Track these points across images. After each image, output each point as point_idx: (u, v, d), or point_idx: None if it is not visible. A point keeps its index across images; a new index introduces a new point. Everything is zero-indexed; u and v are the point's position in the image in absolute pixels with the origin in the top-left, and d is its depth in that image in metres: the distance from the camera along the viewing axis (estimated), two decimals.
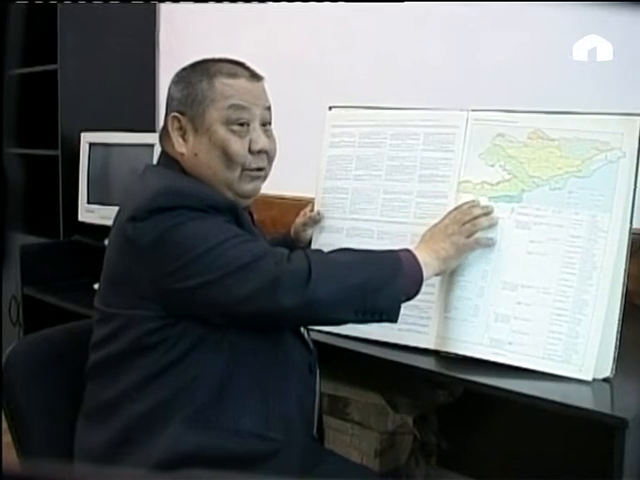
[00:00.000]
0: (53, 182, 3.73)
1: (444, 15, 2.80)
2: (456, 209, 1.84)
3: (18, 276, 3.54)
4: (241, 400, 1.64)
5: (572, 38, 2.40)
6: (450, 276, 1.85)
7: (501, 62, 2.66)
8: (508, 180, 1.85)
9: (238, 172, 1.73)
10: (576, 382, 1.69)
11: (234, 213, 1.66)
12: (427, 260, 1.70)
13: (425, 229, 1.83)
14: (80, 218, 3.62)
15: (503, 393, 1.70)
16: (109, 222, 1.75)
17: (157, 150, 1.85)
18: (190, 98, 1.73)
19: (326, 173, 2.13)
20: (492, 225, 1.83)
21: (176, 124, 1.74)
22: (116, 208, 1.73)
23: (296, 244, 2.10)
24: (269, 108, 1.79)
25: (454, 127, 1.95)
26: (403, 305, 1.65)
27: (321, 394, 1.89)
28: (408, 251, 1.70)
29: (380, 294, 1.61)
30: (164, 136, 1.79)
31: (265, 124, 1.78)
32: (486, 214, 1.82)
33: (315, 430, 1.85)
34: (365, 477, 1.91)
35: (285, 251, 1.62)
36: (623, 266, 1.71)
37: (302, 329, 1.81)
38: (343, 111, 2.15)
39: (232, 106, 1.72)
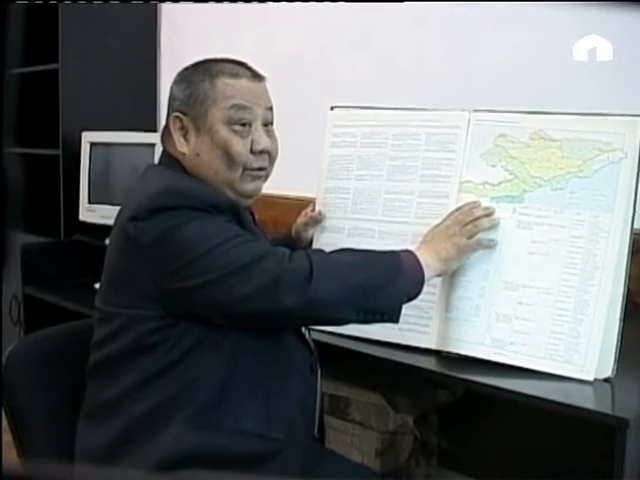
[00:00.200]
0: (54, 181, 3.73)
1: (444, 15, 2.80)
2: (457, 210, 1.84)
3: (19, 275, 3.54)
4: (242, 400, 1.63)
5: (572, 38, 2.40)
6: (451, 276, 1.85)
7: (501, 62, 2.66)
8: (510, 180, 1.85)
9: (239, 172, 1.73)
10: (577, 382, 1.69)
11: (235, 213, 1.66)
12: (428, 261, 1.70)
13: (426, 229, 1.83)
14: (81, 217, 3.62)
15: (504, 393, 1.70)
16: (110, 222, 1.75)
17: (158, 150, 1.85)
18: (192, 98, 1.72)
19: (327, 173, 2.12)
20: (493, 226, 1.83)
21: (178, 124, 1.74)
22: (117, 208, 1.73)
23: (297, 244, 2.10)
24: (271, 108, 1.79)
25: (456, 127, 1.95)
26: (404, 305, 1.65)
27: (322, 394, 1.89)
28: (409, 252, 1.70)
29: (381, 294, 1.61)
30: (166, 136, 1.79)
31: (267, 124, 1.78)
32: (487, 215, 1.82)
33: (316, 430, 1.85)
34: (366, 477, 1.91)
35: (286, 251, 1.62)
36: (624, 266, 1.71)
37: (303, 329, 1.81)
38: (345, 111, 2.15)
39: (234, 106, 1.72)
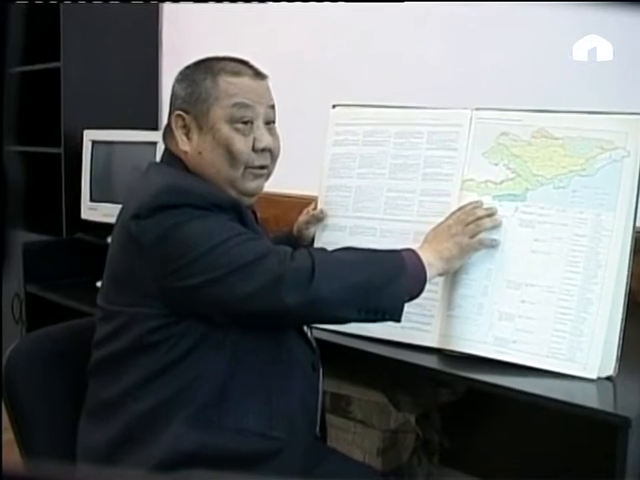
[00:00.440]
0: (56, 180, 3.73)
1: (444, 15, 2.79)
2: (459, 210, 1.83)
3: (21, 274, 3.54)
4: (244, 399, 1.63)
5: (572, 38, 2.40)
6: (454, 274, 1.85)
7: (501, 62, 2.66)
8: (512, 179, 1.84)
9: (241, 170, 1.73)
10: (579, 380, 1.69)
11: (237, 211, 1.66)
12: (430, 260, 1.70)
13: (428, 227, 1.83)
14: (83, 216, 3.62)
15: (506, 391, 1.70)
16: (112, 220, 1.75)
17: (160, 148, 1.85)
18: (194, 96, 1.72)
19: (329, 171, 2.12)
20: (496, 226, 1.82)
21: (180, 122, 1.74)
22: (119, 206, 1.73)
23: (299, 242, 2.10)
24: (273, 106, 1.79)
25: (458, 126, 1.95)
26: (406, 304, 1.65)
27: (324, 392, 1.89)
28: (412, 251, 1.70)
29: (383, 293, 1.61)
30: (168, 134, 1.79)
31: (269, 122, 1.78)
32: (490, 215, 1.82)
33: (318, 429, 1.85)
34: (367, 476, 1.91)
35: (288, 249, 1.62)
36: (627, 265, 1.71)
37: (305, 327, 1.81)
38: (346, 109, 2.15)
39: (236, 104, 1.72)
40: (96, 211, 3.55)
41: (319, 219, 2.10)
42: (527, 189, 1.83)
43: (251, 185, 1.76)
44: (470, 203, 1.85)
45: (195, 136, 1.73)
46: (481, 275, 1.84)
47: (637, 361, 1.81)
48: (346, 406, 2.46)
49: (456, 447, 2.62)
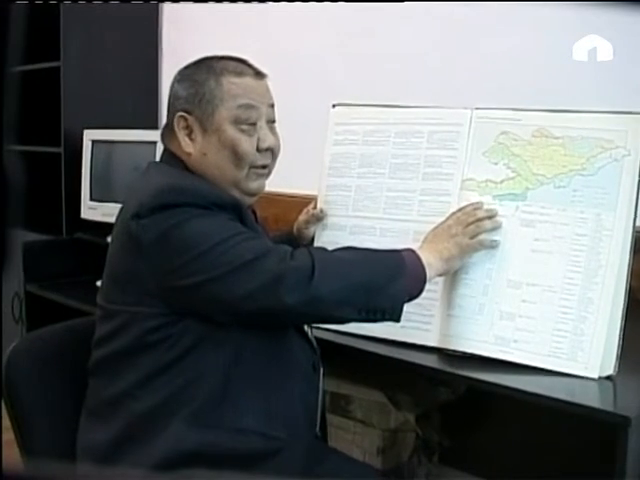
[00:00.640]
0: (56, 179, 3.73)
1: (444, 15, 2.79)
2: (460, 210, 1.84)
3: (21, 273, 3.54)
4: (244, 398, 1.64)
5: (572, 38, 2.40)
6: (454, 274, 1.85)
7: (500, 62, 2.66)
8: (512, 178, 1.84)
9: (246, 171, 1.74)
10: (578, 380, 1.69)
11: (237, 211, 1.66)
12: (430, 260, 1.70)
13: (428, 227, 1.83)
14: (83, 215, 3.62)
15: (505, 391, 1.70)
16: (112, 219, 1.75)
17: (160, 147, 1.85)
18: (197, 97, 1.72)
19: (329, 171, 2.12)
20: (496, 228, 1.82)
21: (182, 123, 1.74)
22: (119, 205, 1.73)
23: (299, 242, 2.10)
24: (273, 105, 1.79)
25: (458, 125, 1.95)
26: (406, 303, 1.65)
27: (324, 392, 1.89)
28: (412, 251, 1.70)
29: (383, 293, 1.61)
30: (168, 135, 1.78)
31: (270, 122, 1.78)
32: (490, 217, 1.82)
33: (318, 428, 1.85)
34: (367, 475, 1.91)
35: (288, 248, 1.62)
36: (627, 264, 1.71)
37: (306, 327, 1.81)
38: (347, 109, 2.15)
39: (242, 106, 1.72)
40: (96, 210, 3.55)
41: (319, 218, 2.10)
42: (527, 188, 1.83)
43: (254, 185, 1.76)
44: (471, 204, 1.85)
45: (199, 137, 1.73)
46: (481, 275, 1.84)
47: (637, 360, 1.81)
48: (346, 405, 2.46)
49: (456, 446, 2.62)
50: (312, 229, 2.12)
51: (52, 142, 3.72)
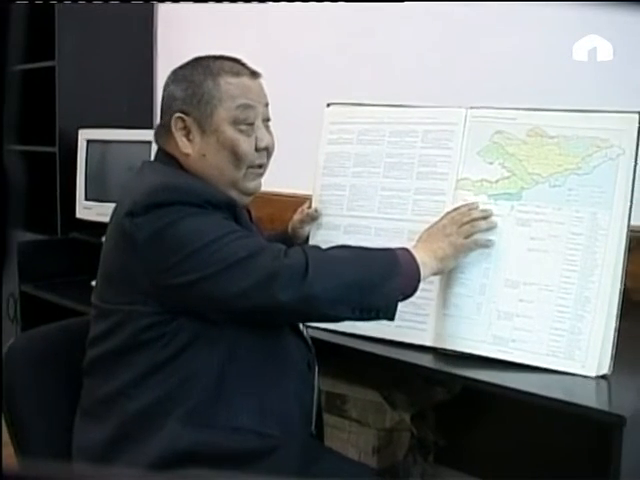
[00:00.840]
0: (51, 179, 3.72)
1: (444, 15, 2.79)
2: (454, 210, 1.84)
3: (16, 273, 3.54)
4: (238, 397, 1.64)
5: (572, 38, 2.40)
6: (449, 274, 1.85)
7: (500, 62, 2.65)
8: (507, 178, 1.85)
9: (244, 170, 1.74)
10: (574, 379, 1.70)
11: (232, 209, 1.66)
12: (425, 259, 1.70)
13: (423, 226, 1.83)
14: (78, 215, 3.61)
15: (500, 390, 1.70)
16: (107, 219, 1.74)
17: (155, 147, 1.84)
18: (195, 98, 1.72)
19: (324, 170, 2.12)
20: (490, 228, 1.83)
21: (180, 124, 1.73)
22: (114, 205, 1.73)
23: (294, 241, 2.10)
24: (267, 105, 1.80)
25: (452, 124, 1.95)
26: (401, 302, 1.65)
27: (320, 391, 1.89)
28: (406, 250, 1.70)
29: (377, 292, 1.62)
30: (163, 135, 1.78)
31: (265, 120, 1.78)
32: (485, 217, 1.82)
33: (313, 427, 1.85)
34: (363, 474, 1.90)
35: (282, 247, 1.62)
36: (622, 263, 1.71)
37: (301, 326, 1.81)
38: (341, 108, 2.15)
39: (240, 106, 1.72)
40: (91, 210, 3.54)
41: (314, 218, 2.10)
42: (523, 188, 1.83)
43: (252, 184, 1.77)
44: (466, 204, 1.85)
45: (197, 138, 1.73)
46: (478, 274, 1.84)
47: (632, 359, 1.82)
48: (341, 405, 2.46)
49: (451, 446, 2.62)
50: (307, 228, 2.12)
51: (47, 141, 3.71)
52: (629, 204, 1.72)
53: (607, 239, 1.73)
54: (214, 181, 1.72)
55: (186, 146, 1.73)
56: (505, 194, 1.84)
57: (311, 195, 2.14)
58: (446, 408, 2.52)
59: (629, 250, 1.72)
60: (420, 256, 1.70)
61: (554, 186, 1.79)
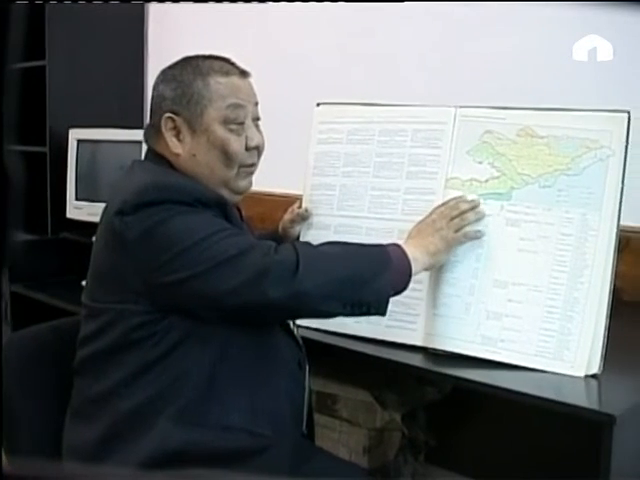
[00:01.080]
0: (41, 179, 3.71)
1: (444, 15, 2.78)
2: (443, 205, 1.84)
3: (6, 273, 3.53)
4: (229, 395, 1.64)
5: (572, 38, 2.40)
6: (439, 273, 1.85)
7: (500, 62, 2.65)
8: (497, 177, 1.85)
9: (235, 170, 1.74)
10: (564, 378, 1.70)
11: (222, 208, 1.67)
12: (416, 255, 1.71)
13: (413, 226, 1.83)
14: (68, 215, 3.60)
15: (491, 390, 1.71)
16: (97, 219, 1.74)
17: (145, 147, 1.84)
18: (185, 98, 1.72)
19: (314, 170, 2.12)
20: (480, 219, 1.83)
21: (170, 124, 1.73)
22: (104, 205, 1.73)
23: (284, 241, 2.09)
24: (257, 103, 1.80)
25: (442, 124, 1.95)
26: (391, 302, 1.65)
27: (311, 390, 1.89)
28: (397, 245, 1.71)
29: (368, 287, 1.62)
30: (153, 135, 1.78)
31: (255, 119, 1.78)
32: (473, 208, 1.83)
33: (304, 426, 1.85)
34: (353, 474, 1.91)
35: (272, 243, 1.63)
36: (611, 263, 1.72)
37: (292, 325, 1.81)
38: (330, 107, 2.15)
39: (230, 105, 1.72)
40: (81, 210, 3.53)
41: (304, 217, 2.10)
42: (512, 188, 1.83)
43: (243, 184, 1.78)
44: (453, 198, 1.85)
45: (187, 138, 1.73)
46: (467, 274, 1.84)
47: (622, 359, 1.82)
48: (332, 404, 2.46)
49: (442, 445, 2.62)
50: (297, 228, 2.12)
51: (37, 141, 3.70)
52: (618, 205, 1.72)
53: (597, 240, 1.73)
54: (205, 180, 1.72)
55: (176, 146, 1.73)
56: (495, 194, 1.84)
57: (301, 195, 2.14)
58: (437, 408, 2.52)
59: (619, 250, 1.73)
60: (411, 251, 1.71)
61: (544, 187, 1.79)
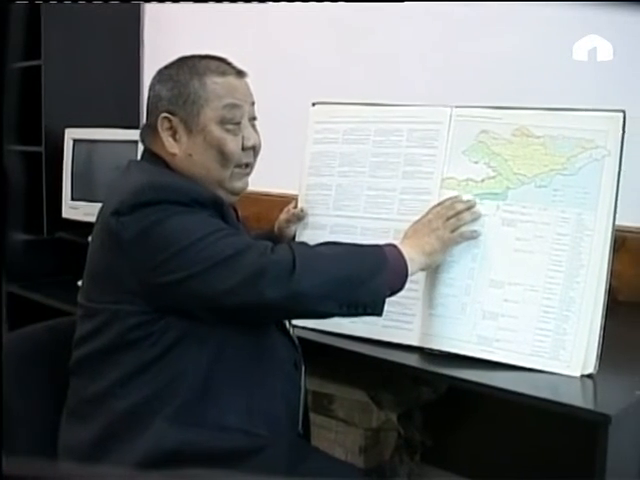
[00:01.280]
0: (37, 178, 3.71)
1: (443, 14, 2.78)
2: (439, 205, 1.84)
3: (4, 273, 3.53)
4: (225, 396, 1.64)
5: (572, 38, 2.40)
6: (435, 273, 1.85)
7: (501, 62, 2.65)
8: (493, 177, 1.85)
9: (231, 170, 1.74)
10: (560, 378, 1.70)
11: (218, 208, 1.66)
12: (412, 255, 1.71)
13: (409, 226, 1.83)
14: (64, 215, 3.60)
15: (487, 389, 1.71)
16: (93, 219, 1.74)
17: (142, 147, 1.84)
18: (182, 98, 1.72)
19: (309, 170, 2.12)
20: (475, 219, 1.83)
21: (166, 124, 1.73)
22: (100, 205, 1.72)
23: (280, 241, 2.09)
24: (253, 103, 1.80)
25: (437, 123, 1.95)
26: (387, 302, 1.65)
27: (306, 390, 1.89)
28: (393, 245, 1.71)
29: (364, 287, 1.62)
30: (149, 135, 1.78)
31: (251, 119, 1.79)
32: (469, 208, 1.83)
33: (300, 426, 1.85)
34: (349, 474, 1.91)
35: (269, 243, 1.63)
36: (607, 263, 1.72)
37: (288, 325, 1.81)
38: (326, 107, 2.15)
39: (227, 105, 1.73)
40: (77, 210, 3.53)
41: (300, 217, 2.10)
42: (508, 188, 1.83)
43: (239, 184, 1.78)
44: (449, 198, 1.85)
45: (184, 138, 1.73)
46: (463, 274, 1.84)
47: (617, 358, 1.82)
48: (328, 405, 2.46)
49: (438, 445, 2.62)
50: (293, 228, 2.12)
51: (33, 141, 3.70)
52: (614, 205, 1.72)
53: (592, 240, 1.73)
54: (201, 180, 1.72)
55: (172, 146, 1.73)
56: (490, 194, 1.84)
57: (297, 195, 2.14)
58: (433, 408, 2.52)
59: (615, 250, 1.73)
60: (407, 252, 1.71)
61: (540, 186, 1.79)
